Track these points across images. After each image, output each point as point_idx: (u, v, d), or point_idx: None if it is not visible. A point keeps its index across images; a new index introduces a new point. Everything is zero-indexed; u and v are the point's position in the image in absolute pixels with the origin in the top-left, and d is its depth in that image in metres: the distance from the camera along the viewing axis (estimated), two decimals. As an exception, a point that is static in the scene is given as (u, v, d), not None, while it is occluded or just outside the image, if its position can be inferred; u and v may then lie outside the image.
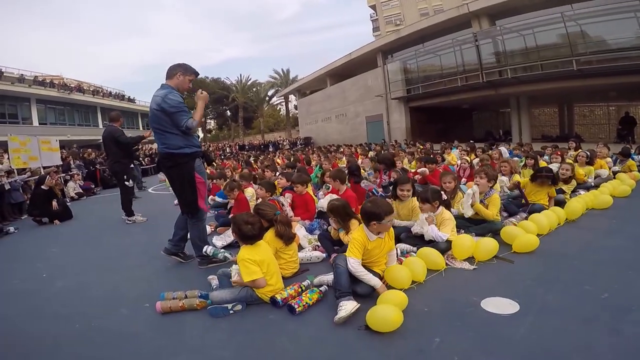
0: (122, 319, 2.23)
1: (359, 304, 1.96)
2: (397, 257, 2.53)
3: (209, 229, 4.04)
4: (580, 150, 6.45)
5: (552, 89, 12.72)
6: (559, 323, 1.77)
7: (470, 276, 2.44)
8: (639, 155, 7.31)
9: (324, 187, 4.76)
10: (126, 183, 5.14)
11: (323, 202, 3.73)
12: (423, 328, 1.83)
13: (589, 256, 2.65)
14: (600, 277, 2.27)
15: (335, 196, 3.52)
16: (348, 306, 1.91)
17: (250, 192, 4.42)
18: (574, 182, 4.41)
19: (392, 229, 2.34)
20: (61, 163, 9.42)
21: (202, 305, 2.17)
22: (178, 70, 2.78)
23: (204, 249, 2.68)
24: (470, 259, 2.65)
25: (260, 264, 2.12)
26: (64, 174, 9.12)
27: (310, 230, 3.47)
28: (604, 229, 3.28)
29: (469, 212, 3.14)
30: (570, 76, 11.29)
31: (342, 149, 13.66)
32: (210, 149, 24.29)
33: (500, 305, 1.93)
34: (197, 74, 2.92)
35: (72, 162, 10.54)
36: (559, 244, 2.93)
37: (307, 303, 2.08)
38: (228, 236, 3.41)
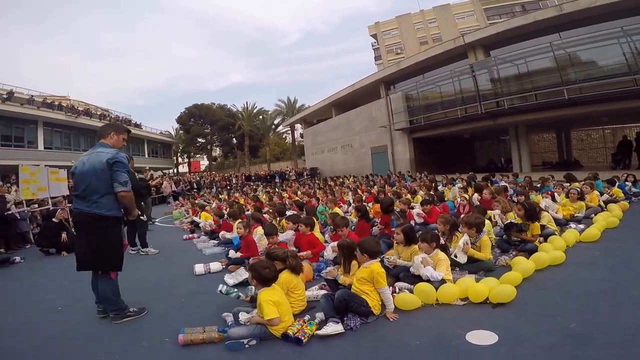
0: (144, 352, 2.42)
1: (343, 330, 2.40)
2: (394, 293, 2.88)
3: (220, 265, 4.23)
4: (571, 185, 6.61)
5: (547, 117, 12.80)
6: (528, 352, 2.05)
7: (459, 310, 2.72)
8: (632, 184, 7.30)
9: (328, 229, 5.01)
10: (141, 218, 5.48)
11: (327, 252, 4.04)
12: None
13: (567, 288, 2.94)
14: (573, 308, 2.55)
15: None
16: (332, 328, 2.39)
17: (259, 231, 4.61)
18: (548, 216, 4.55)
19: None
20: (68, 193, 9.62)
21: (220, 338, 2.42)
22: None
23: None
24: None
25: (277, 305, 2.43)
26: (70, 205, 9.28)
27: (318, 270, 3.73)
28: (587, 262, 3.57)
29: (462, 260, 3.37)
30: (563, 105, 11.53)
31: (346, 182, 13.51)
32: (216, 178, 23.73)
33: (481, 337, 2.21)
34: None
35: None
36: (542, 278, 3.21)
37: (309, 334, 2.38)
38: (239, 275, 3.64)
